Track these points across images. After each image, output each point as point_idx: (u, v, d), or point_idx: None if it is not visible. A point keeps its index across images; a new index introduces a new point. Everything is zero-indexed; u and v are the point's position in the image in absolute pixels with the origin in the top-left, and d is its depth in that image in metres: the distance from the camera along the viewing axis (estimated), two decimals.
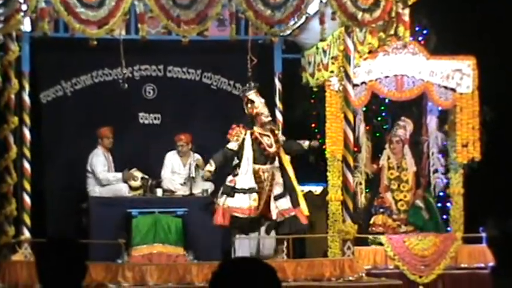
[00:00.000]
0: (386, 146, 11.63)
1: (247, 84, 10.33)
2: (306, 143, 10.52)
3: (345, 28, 10.06)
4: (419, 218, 11.32)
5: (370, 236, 11.05)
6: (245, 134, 10.14)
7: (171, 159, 11.67)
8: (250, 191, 9.94)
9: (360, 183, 11.50)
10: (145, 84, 12.45)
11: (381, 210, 11.30)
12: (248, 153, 10.05)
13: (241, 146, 10.08)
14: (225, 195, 9.96)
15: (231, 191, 9.93)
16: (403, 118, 11.73)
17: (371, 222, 11.25)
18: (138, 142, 12.21)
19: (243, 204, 9.91)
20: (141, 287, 9.31)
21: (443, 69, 11.31)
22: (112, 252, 10.07)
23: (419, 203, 11.38)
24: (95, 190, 11.41)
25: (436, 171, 11.68)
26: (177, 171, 11.63)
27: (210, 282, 2.95)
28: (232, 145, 10.12)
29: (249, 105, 10.24)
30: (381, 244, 10.95)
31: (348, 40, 10.13)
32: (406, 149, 11.55)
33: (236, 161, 10.09)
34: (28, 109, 10.77)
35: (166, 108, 12.47)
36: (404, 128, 11.57)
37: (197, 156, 11.42)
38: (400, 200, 11.37)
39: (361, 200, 11.48)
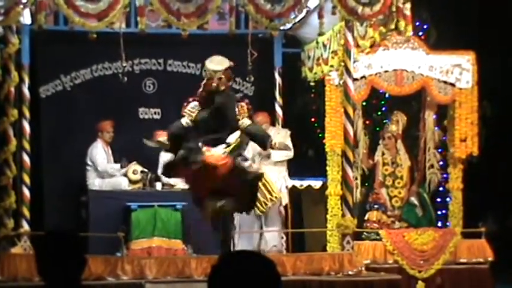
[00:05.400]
0: (380, 141, 11.62)
1: None
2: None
3: (345, 22, 10.05)
4: (413, 216, 11.30)
5: (365, 232, 11.02)
6: None
7: (164, 155, 11.56)
8: None
9: (356, 178, 11.45)
10: (145, 78, 12.41)
11: (375, 206, 11.28)
12: None
13: None
14: None
15: None
16: (395, 112, 11.70)
17: (366, 218, 11.23)
18: (138, 136, 12.15)
19: None
20: (140, 280, 9.31)
21: (442, 64, 11.28)
22: (111, 246, 10.07)
23: (413, 200, 11.34)
24: (94, 183, 11.41)
25: (431, 166, 11.64)
26: None
27: (210, 276, 2.94)
28: None
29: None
30: (375, 239, 10.94)
31: (348, 34, 10.11)
32: (399, 144, 11.50)
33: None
34: (28, 102, 10.74)
35: (166, 102, 12.43)
36: (397, 122, 11.53)
37: None
38: (395, 196, 11.36)
39: (356, 195, 11.45)
